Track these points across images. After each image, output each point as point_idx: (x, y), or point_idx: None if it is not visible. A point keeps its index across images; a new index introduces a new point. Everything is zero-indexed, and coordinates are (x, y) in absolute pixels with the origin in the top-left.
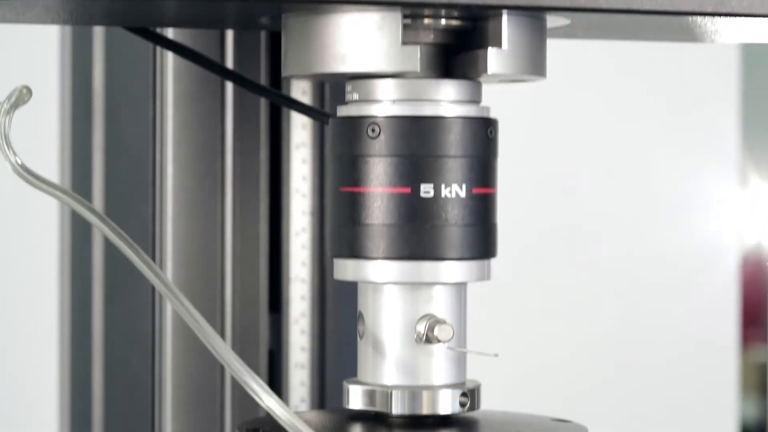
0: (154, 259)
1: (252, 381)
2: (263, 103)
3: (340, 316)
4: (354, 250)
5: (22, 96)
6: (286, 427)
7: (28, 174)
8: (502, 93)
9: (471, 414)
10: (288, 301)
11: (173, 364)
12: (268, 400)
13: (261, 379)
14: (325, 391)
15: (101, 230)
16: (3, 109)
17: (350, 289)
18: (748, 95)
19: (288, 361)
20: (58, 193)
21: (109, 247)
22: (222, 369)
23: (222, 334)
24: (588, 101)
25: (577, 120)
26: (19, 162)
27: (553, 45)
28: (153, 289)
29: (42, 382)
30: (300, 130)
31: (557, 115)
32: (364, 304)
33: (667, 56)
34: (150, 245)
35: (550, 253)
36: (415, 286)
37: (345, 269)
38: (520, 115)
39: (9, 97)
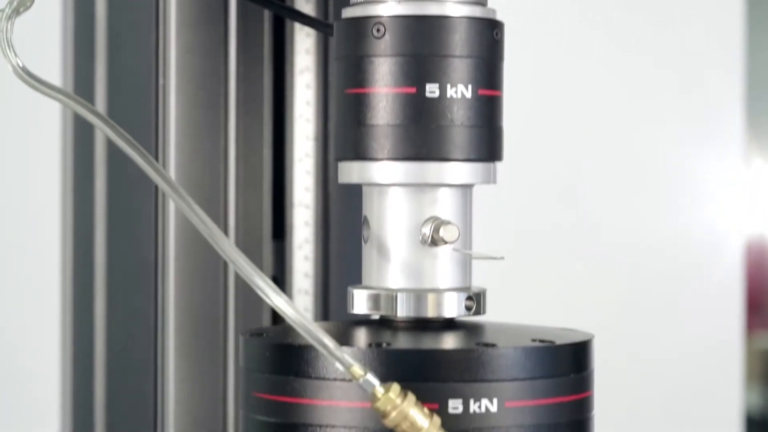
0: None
1: (260, 281)
2: (266, 29)
3: (343, 242)
4: (359, 151)
5: (23, 1)
6: (294, 326)
7: (29, 77)
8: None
9: (477, 318)
10: (291, 227)
11: (175, 361)
12: (276, 299)
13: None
14: (329, 317)
15: (104, 132)
16: (4, 14)
17: (354, 215)
18: (752, 76)
19: (291, 287)
20: (59, 95)
21: (111, 245)
22: (225, 366)
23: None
24: (587, 81)
25: (576, 103)
26: (21, 65)
27: (554, 24)
28: (155, 286)
29: (44, 381)
30: (303, 56)
31: (556, 96)
32: (369, 208)
33: (670, 34)
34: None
35: (551, 239)
36: (420, 187)
37: (350, 172)
38: (520, 97)
39: (11, 2)
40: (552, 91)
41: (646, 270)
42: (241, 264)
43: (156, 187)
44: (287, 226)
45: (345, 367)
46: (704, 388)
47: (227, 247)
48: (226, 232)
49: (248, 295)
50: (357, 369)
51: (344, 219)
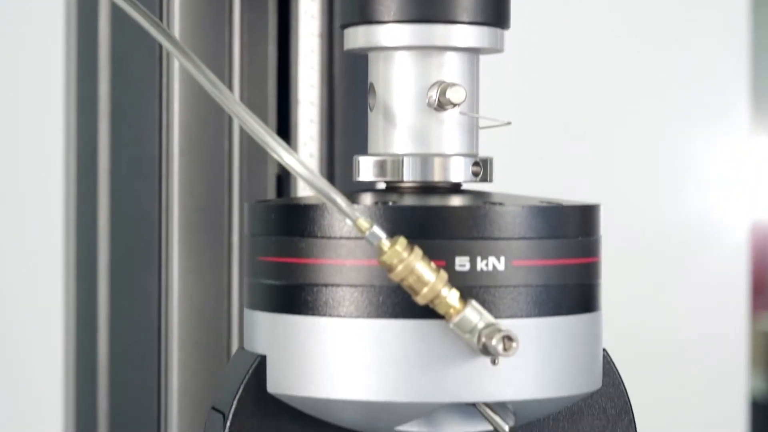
0: (161, 79)
1: (270, 139)
2: None
3: (348, 139)
4: (365, 14)
5: None
6: (304, 180)
7: None
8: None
9: (483, 185)
10: (296, 124)
11: (179, 357)
12: (286, 156)
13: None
14: None
15: None
16: None
17: (360, 114)
18: (758, 58)
19: (296, 184)
20: None
21: (114, 243)
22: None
23: (230, 156)
24: (591, 63)
25: (579, 86)
26: None
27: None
28: (158, 283)
29: (47, 378)
30: None
31: (559, 80)
32: (375, 75)
33: (675, 17)
34: (157, 65)
35: None
36: (427, 51)
37: (356, 37)
38: (522, 81)
39: None
40: (554, 74)
41: (649, 253)
42: (250, 123)
43: (159, 181)
44: (292, 123)
45: (352, 220)
46: (709, 372)
47: (236, 106)
48: (230, 130)
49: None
50: (363, 222)
51: (349, 116)
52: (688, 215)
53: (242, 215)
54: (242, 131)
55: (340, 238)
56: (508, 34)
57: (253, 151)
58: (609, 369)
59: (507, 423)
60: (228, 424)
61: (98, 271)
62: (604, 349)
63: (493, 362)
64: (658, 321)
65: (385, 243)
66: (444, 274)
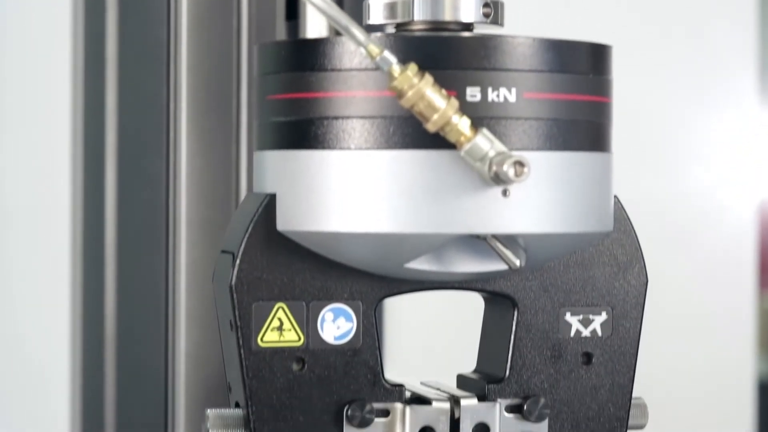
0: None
1: None
2: None
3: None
4: None
5: None
6: (317, 9)
7: None
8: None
9: (494, 29)
10: (305, 7)
11: (186, 355)
12: None
13: None
14: None
15: None
16: None
17: None
18: (765, 31)
19: None
20: None
21: (121, 241)
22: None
23: (238, 63)
24: (591, 32)
25: None
26: None
27: None
28: (166, 280)
29: (53, 376)
30: None
31: None
32: None
33: None
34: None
35: None
36: None
37: None
38: None
39: None
40: None
41: (654, 232)
42: None
43: (167, 178)
44: (300, 6)
45: (363, 45)
46: (716, 354)
47: None
48: (238, 11)
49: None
50: (374, 47)
51: None
52: (695, 193)
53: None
54: None
55: (351, 69)
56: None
57: None
58: (620, 216)
59: (518, 258)
60: (237, 263)
61: (105, 271)
62: (615, 196)
63: (504, 194)
64: (663, 301)
65: (396, 68)
66: (455, 102)
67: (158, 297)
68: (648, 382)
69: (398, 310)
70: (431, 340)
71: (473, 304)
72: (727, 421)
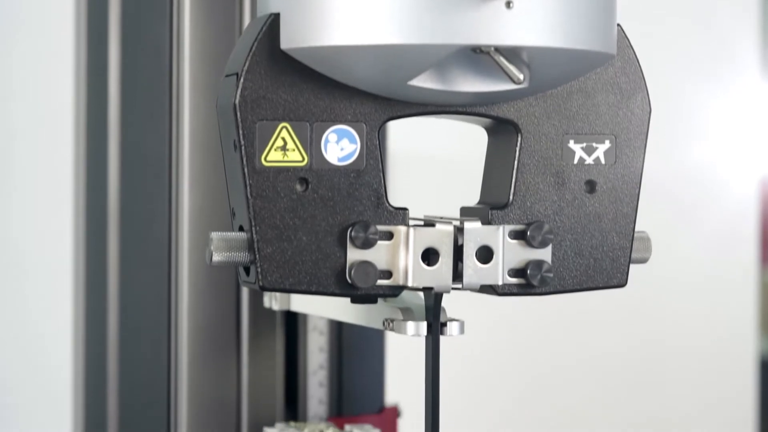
0: None
1: None
2: None
3: None
4: None
5: None
6: None
7: None
8: None
9: None
10: None
11: (189, 358)
12: None
13: None
14: None
15: None
16: None
17: None
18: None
19: None
20: None
21: (124, 243)
22: (239, 365)
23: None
24: None
25: None
26: None
27: None
28: (168, 282)
29: (57, 377)
30: None
31: None
32: None
33: None
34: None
35: None
36: None
37: None
38: None
39: None
40: None
41: (657, 205)
42: None
43: (169, 182)
44: None
45: None
46: (718, 330)
47: None
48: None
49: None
50: None
51: None
52: (696, 169)
53: None
54: None
55: None
56: None
57: None
58: (623, 44)
59: (521, 73)
60: (241, 82)
61: (108, 271)
62: (618, 25)
63: (508, 5)
64: (665, 277)
65: None
66: None
67: (160, 296)
68: (651, 358)
69: (402, 140)
70: (434, 177)
71: (476, 140)
72: (729, 398)
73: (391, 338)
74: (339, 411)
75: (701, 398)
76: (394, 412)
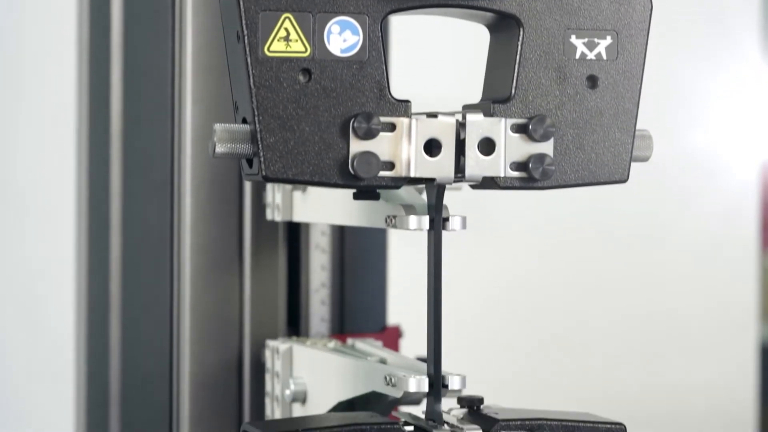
0: None
1: None
2: None
3: None
4: None
5: None
6: None
7: None
8: None
9: None
10: None
11: (192, 274)
12: None
13: None
14: None
15: None
16: None
17: None
18: None
19: None
20: None
21: (126, 245)
22: (240, 359)
23: None
24: None
25: None
26: None
27: None
28: (170, 199)
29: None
30: None
31: None
32: None
33: None
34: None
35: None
36: None
37: None
38: None
39: None
40: None
41: (659, 190)
42: None
43: (171, 191)
44: None
45: None
46: (719, 315)
47: None
48: None
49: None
50: None
51: None
52: (697, 153)
53: None
54: None
55: None
56: None
57: None
58: None
59: None
60: None
61: (110, 272)
62: None
63: None
64: (666, 261)
65: None
66: None
67: (163, 295)
68: (651, 344)
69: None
70: (435, 76)
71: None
72: (729, 383)
73: (393, 257)
74: (341, 329)
75: (702, 387)
76: (396, 332)
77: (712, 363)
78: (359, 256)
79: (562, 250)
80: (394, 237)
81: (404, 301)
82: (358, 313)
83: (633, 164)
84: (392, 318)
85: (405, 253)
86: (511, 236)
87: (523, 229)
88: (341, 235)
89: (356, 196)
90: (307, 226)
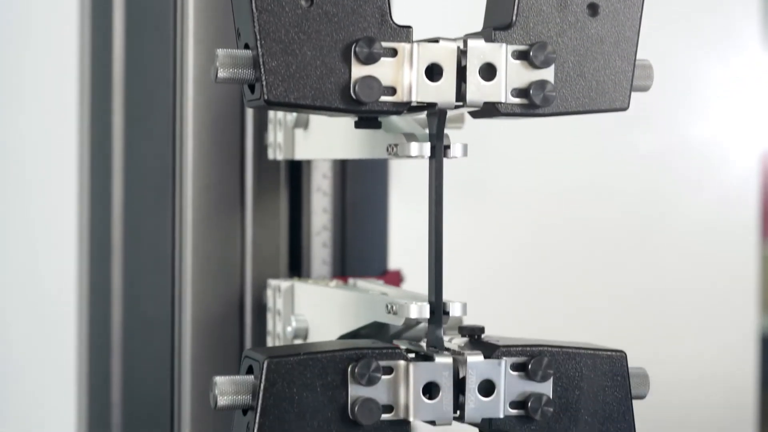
0: None
1: None
2: None
3: None
4: None
5: None
6: None
7: None
8: None
9: None
10: None
11: (193, 299)
12: None
13: None
14: None
15: None
16: None
17: None
18: None
19: None
20: None
21: (128, 186)
22: (241, 300)
23: None
24: None
25: None
26: None
27: None
28: (172, 223)
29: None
30: None
31: None
32: None
33: None
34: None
35: (566, 146)
36: None
37: None
38: None
39: None
40: None
41: (659, 179)
42: None
43: (173, 132)
44: None
45: None
46: (719, 305)
47: None
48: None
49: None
50: None
51: None
52: (697, 142)
53: None
54: None
55: None
56: None
57: None
58: None
59: None
60: None
61: (112, 267)
62: None
63: None
64: (666, 252)
65: None
66: None
67: (165, 237)
68: (652, 333)
69: None
70: (438, 5)
71: None
72: (728, 375)
73: (393, 200)
74: (342, 272)
75: (702, 374)
76: (398, 276)
77: (712, 353)
78: (360, 200)
79: (556, 246)
80: (395, 189)
81: (406, 249)
82: (360, 257)
83: (632, 155)
84: (394, 266)
85: (407, 201)
86: (510, 207)
87: (520, 204)
88: (342, 178)
89: (358, 125)
90: (308, 168)
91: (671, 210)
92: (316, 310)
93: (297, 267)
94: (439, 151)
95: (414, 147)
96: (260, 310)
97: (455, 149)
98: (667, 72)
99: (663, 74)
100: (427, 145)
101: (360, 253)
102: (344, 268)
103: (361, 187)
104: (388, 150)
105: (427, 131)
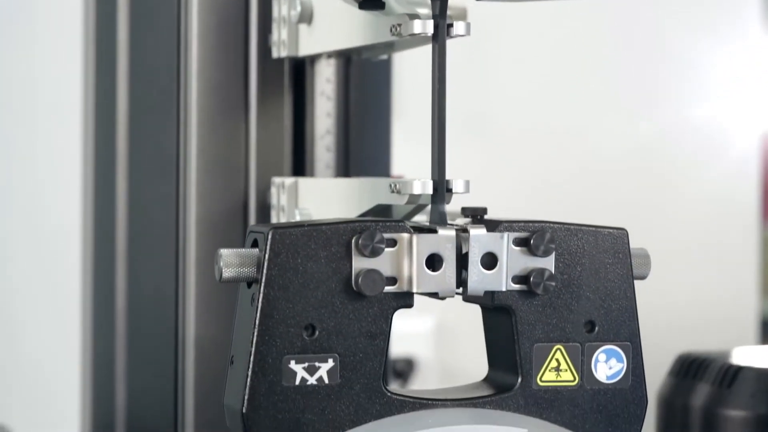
0: None
1: None
2: None
3: None
4: None
5: None
6: None
7: None
8: None
9: None
10: None
11: (198, 118)
12: None
13: None
14: None
15: None
16: None
17: None
18: None
19: None
20: None
21: (132, 142)
22: (245, 201)
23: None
24: None
25: None
26: None
27: None
28: (177, 124)
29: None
30: None
31: None
32: None
33: None
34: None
35: (569, 121)
36: None
37: None
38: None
39: None
40: None
41: (659, 162)
42: None
43: (177, 34)
44: None
45: None
46: (719, 288)
47: None
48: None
49: None
50: None
51: None
52: (698, 124)
53: None
54: None
55: None
56: None
57: None
58: None
59: None
60: None
61: (116, 262)
62: None
63: None
64: (666, 236)
65: None
66: None
67: (168, 293)
68: (652, 316)
69: None
70: None
71: None
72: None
73: (397, 105)
74: (345, 176)
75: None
76: None
77: (713, 339)
78: (364, 105)
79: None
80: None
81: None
82: (364, 162)
83: (633, 135)
84: (397, 172)
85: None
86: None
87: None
88: (346, 82)
89: (362, 6)
90: (312, 72)
91: (670, 192)
92: (319, 203)
93: (300, 171)
94: (442, 29)
95: (417, 24)
96: (264, 211)
97: (458, 27)
98: (668, 53)
99: (663, 55)
100: (430, 23)
101: (364, 157)
102: (347, 172)
103: (365, 91)
104: (391, 30)
105: (430, 11)
